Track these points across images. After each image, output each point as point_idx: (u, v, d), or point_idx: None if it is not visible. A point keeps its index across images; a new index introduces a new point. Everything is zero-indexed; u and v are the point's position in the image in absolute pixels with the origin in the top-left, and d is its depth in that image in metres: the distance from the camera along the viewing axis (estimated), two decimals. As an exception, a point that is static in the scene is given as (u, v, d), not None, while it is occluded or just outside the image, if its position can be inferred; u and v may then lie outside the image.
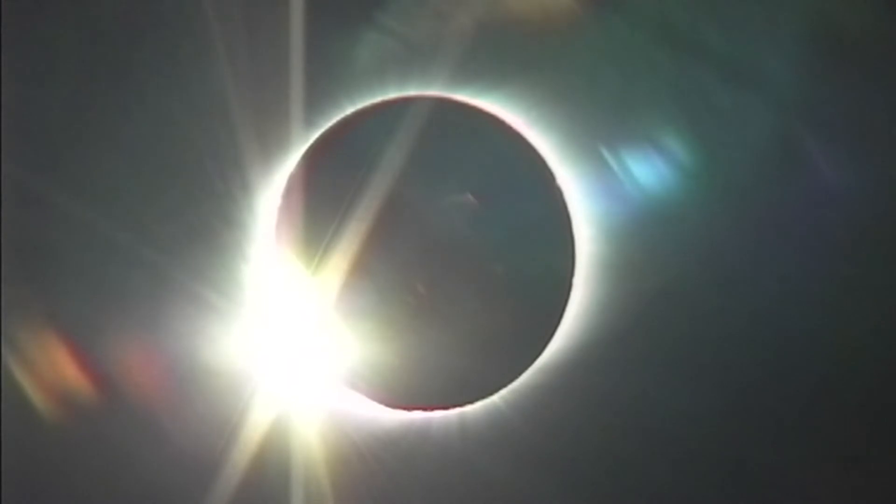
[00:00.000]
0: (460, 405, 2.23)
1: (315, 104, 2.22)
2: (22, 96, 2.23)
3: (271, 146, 2.22)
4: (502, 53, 2.23)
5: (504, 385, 2.22)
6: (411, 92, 2.23)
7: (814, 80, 2.24)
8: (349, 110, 2.22)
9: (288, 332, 2.23)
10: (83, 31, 2.24)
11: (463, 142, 2.23)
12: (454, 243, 2.21)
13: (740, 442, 2.24)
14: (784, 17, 2.23)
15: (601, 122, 2.24)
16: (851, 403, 2.24)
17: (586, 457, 2.24)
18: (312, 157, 2.22)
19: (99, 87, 2.24)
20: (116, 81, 2.24)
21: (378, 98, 2.23)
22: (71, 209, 2.23)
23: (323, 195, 2.21)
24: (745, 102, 2.23)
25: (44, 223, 2.23)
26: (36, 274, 2.23)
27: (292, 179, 2.22)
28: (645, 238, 2.23)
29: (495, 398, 2.23)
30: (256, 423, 2.23)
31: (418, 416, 2.23)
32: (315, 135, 2.22)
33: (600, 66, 2.24)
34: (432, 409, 2.23)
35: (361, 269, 2.20)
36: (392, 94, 2.23)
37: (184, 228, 2.22)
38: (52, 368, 2.23)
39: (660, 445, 2.24)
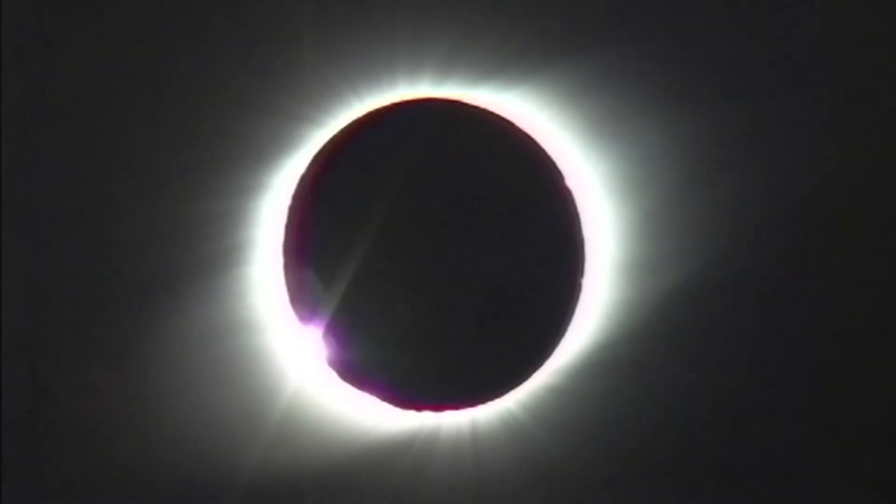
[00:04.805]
0: (471, 406, 2.22)
1: (325, 104, 2.21)
2: (22, 95, 2.20)
3: (280, 146, 2.20)
4: (512, 53, 2.22)
5: (515, 386, 2.22)
6: (421, 92, 2.22)
7: (827, 85, 2.26)
8: (360, 111, 2.21)
9: (295, 332, 2.22)
10: (85, 27, 2.21)
11: (471, 143, 2.23)
12: (464, 243, 2.21)
13: (757, 443, 2.25)
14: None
15: (611, 123, 2.24)
16: (868, 405, 2.27)
17: (597, 459, 2.24)
18: (323, 159, 2.21)
19: (102, 84, 2.21)
20: (120, 79, 2.21)
21: (388, 99, 2.22)
22: (73, 208, 2.20)
23: (333, 196, 2.20)
24: (760, 105, 2.24)
25: (45, 222, 2.21)
26: (38, 274, 2.21)
27: (302, 181, 2.20)
28: (656, 239, 2.24)
29: (507, 399, 2.23)
30: (262, 424, 2.22)
31: (428, 417, 2.23)
32: (325, 135, 2.21)
33: (609, 67, 2.24)
34: (442, 409, 2.22)
35: (371, 269, 2.19)
36: (403, 95, 2.22)
37: (190, 229, 2.20)
38: (54, 369, 2.21)
39: (673, 448, 2.25)
